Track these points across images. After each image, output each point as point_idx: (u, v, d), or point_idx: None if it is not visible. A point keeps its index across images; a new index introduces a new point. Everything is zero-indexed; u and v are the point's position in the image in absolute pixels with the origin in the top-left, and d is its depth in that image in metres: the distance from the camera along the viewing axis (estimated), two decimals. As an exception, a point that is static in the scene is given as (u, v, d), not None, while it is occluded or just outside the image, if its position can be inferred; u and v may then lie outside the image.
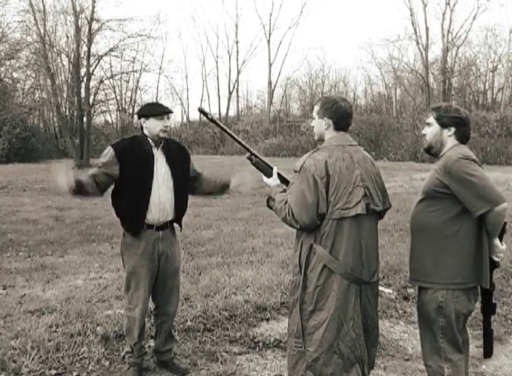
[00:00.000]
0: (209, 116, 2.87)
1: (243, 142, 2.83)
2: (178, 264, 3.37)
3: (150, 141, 3.15)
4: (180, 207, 3.26)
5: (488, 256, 2.47)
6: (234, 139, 2.86)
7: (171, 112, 3.22)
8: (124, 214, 3.17)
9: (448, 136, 2.53)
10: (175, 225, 3.32)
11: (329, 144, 2.46)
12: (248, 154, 2.73)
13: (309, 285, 2.41)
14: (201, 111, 2.91)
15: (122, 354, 3.33)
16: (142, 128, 3.19)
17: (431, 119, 2.57)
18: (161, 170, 3.16)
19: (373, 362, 2.61)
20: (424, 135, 2.62)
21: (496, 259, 2.50)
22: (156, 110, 3.16)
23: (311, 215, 2.34)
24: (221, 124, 2.86)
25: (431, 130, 2.57)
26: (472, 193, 2.33)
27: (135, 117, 34.41)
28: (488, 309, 2.59)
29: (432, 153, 2.59)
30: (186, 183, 3.31)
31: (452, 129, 2.52)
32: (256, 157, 2.72)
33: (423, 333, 2.58)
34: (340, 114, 2.48)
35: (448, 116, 2.52)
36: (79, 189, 2.93)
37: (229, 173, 3.44)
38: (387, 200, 2.59)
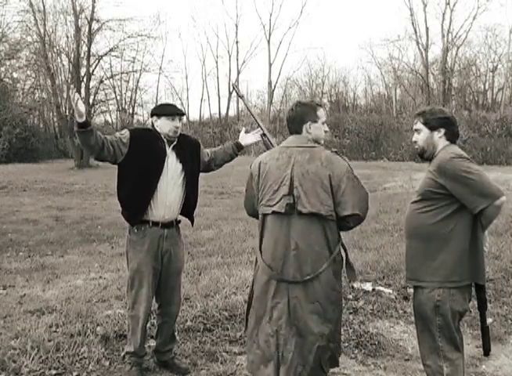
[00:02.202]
0: (240, 94, 3.37)
1: (260, 123, 3.23)
2: (182, 264, 3.37)
3: (163, 138, 3.18)
4: (190, 204, 3.32)
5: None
6: (254, 118, 3.25)
7: (183, 114, 3.24)
8: (125, 202, 3.19)
9: (439, 138, 2.56)
10: (187, 220, 3.39)
11: (280, 145, 2.65)
12: (261, 132, 3.21)
13: (254, 274, 2.64)
14: (234, 87, 3.31)
15: (122, 354, 3.33)
16: (153, 126, 3.23)
17: (419, 125, 2.59)
18: (172, 168, 3.17)
19: (317, 370, 2.46)
20: (415, 141, 2.63)
21: (485, 249, 2.51)
22: (167, 110, 3.20)
23: (248, 206, 2.72)
24: (248, 104, 3.35)
25: (422, 135, 2.59)
26: (471, 190, 2.34)
27: (136, 117, 34.57)
28: (483, 305, 2.58)
29: (426, 157, 2.60)
30: (197, 178, 3.35)
31: (442, 130, 2.55)
32: (266, 137, 3.15)
33: (421, 332, 2.58)
34: (287, 120, 2.69)
35: (435, 118, 2.56)
36: (87, 125, 2.85)
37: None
38: (355, 208, 2.41)
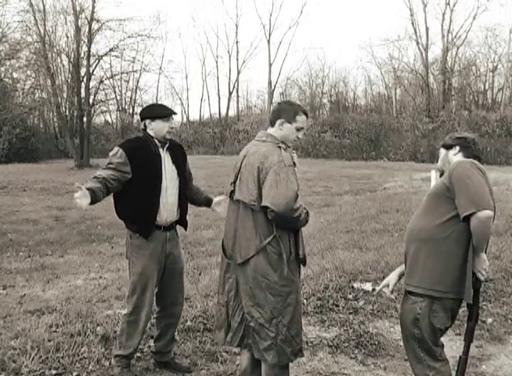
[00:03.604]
0: None
1: None
2: (184, 264, 3.37)
3: (156, 142, 3.14)
4: (184, 207, 3.27)
5: (472, 271, 2.39)
6: None
7: (175, 113, 3.23)
8: (133, 216, 3.10)
9: (454, 155, 2.60)
10: (179, 226, 3.31)
11: None
12: None
13: None
14: None
15: (114, 354, 3.21)
16: (145, 129, 3.16)
17: (440, 149, 2.70)
18: (169, 170, 3.15)
19: (260, 353, 2.61)
20: (437, 166, 2.74)
21: (481, 277, 2.40)
22: (163, 112, 3.16)
23: None
24: None
25: (440, 157, 2.69)
26: (463, 194, 2.31)
27: (136, 117, 34.56)
28: (469, 335, 2.51)
29: None
30: (187, 182, 3.32)
31: (457, 148, 2.59)
32: None
33: (405, 341, 2.59)
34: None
35: (451, 138, 2.65)
36: (93, 200, 2.85)
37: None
38: (267, 200, 2.48)
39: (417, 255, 2.48)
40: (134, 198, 3.07)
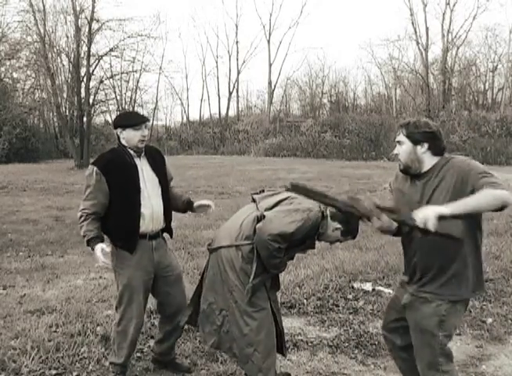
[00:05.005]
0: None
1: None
2: (179, 270, 3.28)
3: (131, 151, 3.03)
4: (169, 214, 3.18)
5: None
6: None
7: (147, 121, 3.10)
8: (115, 231, 3.04)
9: (423, 153, 2.37)
10: (166, 234, 3.24)
11: None
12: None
13: None
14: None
15: (109, 361, 3.19)
16: (119, 138, 3.07)
17: (402, 137, 2.41)
18: (149, 179, 3.05)
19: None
20: (397, 154, 2.44)
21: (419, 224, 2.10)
22: (133, 120, 3.02)
23: None
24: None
25: (404, 148, 2.40)
26: (476, 173, 2.30)
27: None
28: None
29: (411, 172, 2.43)
30: (169, 188, 3.22)
31: (426, 145, 2.36)
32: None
33: (420, 348, 2.43)
34: None
35: (419, 132, 2.37)
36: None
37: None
38: (270, 214, 2.72)
39: (437, 263, 2.36)
40: (114, 213, 2.99)
